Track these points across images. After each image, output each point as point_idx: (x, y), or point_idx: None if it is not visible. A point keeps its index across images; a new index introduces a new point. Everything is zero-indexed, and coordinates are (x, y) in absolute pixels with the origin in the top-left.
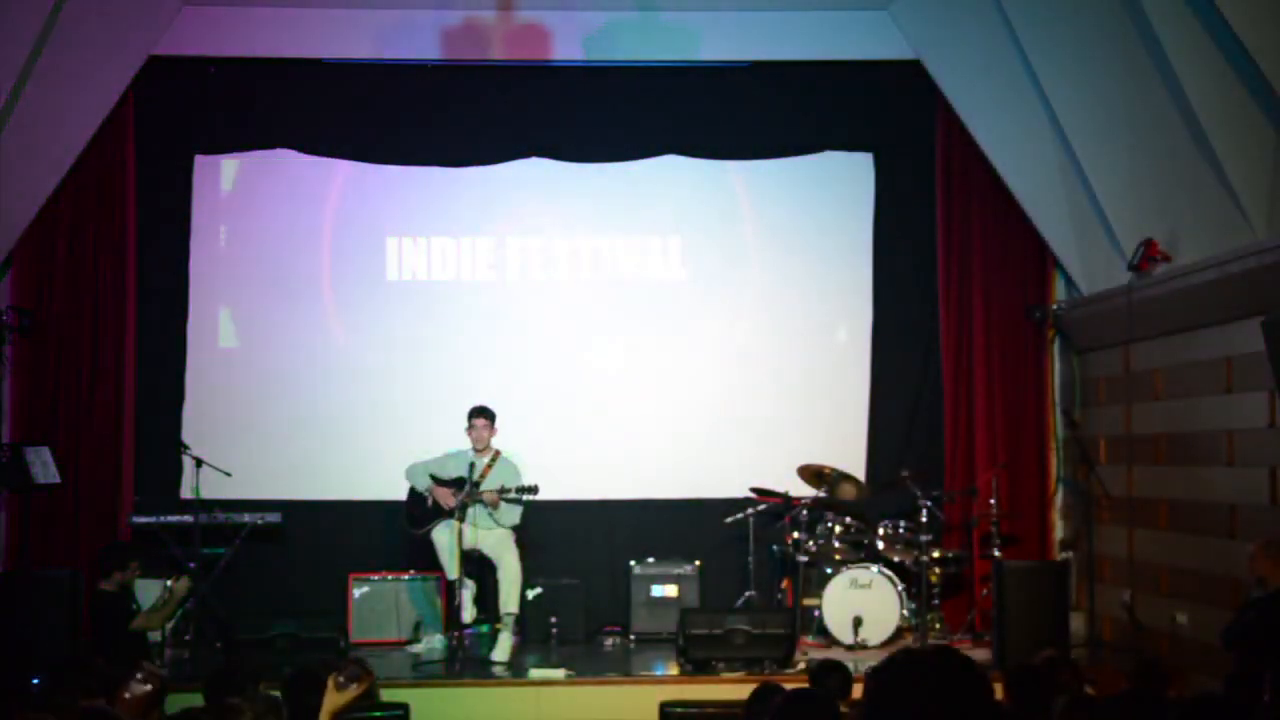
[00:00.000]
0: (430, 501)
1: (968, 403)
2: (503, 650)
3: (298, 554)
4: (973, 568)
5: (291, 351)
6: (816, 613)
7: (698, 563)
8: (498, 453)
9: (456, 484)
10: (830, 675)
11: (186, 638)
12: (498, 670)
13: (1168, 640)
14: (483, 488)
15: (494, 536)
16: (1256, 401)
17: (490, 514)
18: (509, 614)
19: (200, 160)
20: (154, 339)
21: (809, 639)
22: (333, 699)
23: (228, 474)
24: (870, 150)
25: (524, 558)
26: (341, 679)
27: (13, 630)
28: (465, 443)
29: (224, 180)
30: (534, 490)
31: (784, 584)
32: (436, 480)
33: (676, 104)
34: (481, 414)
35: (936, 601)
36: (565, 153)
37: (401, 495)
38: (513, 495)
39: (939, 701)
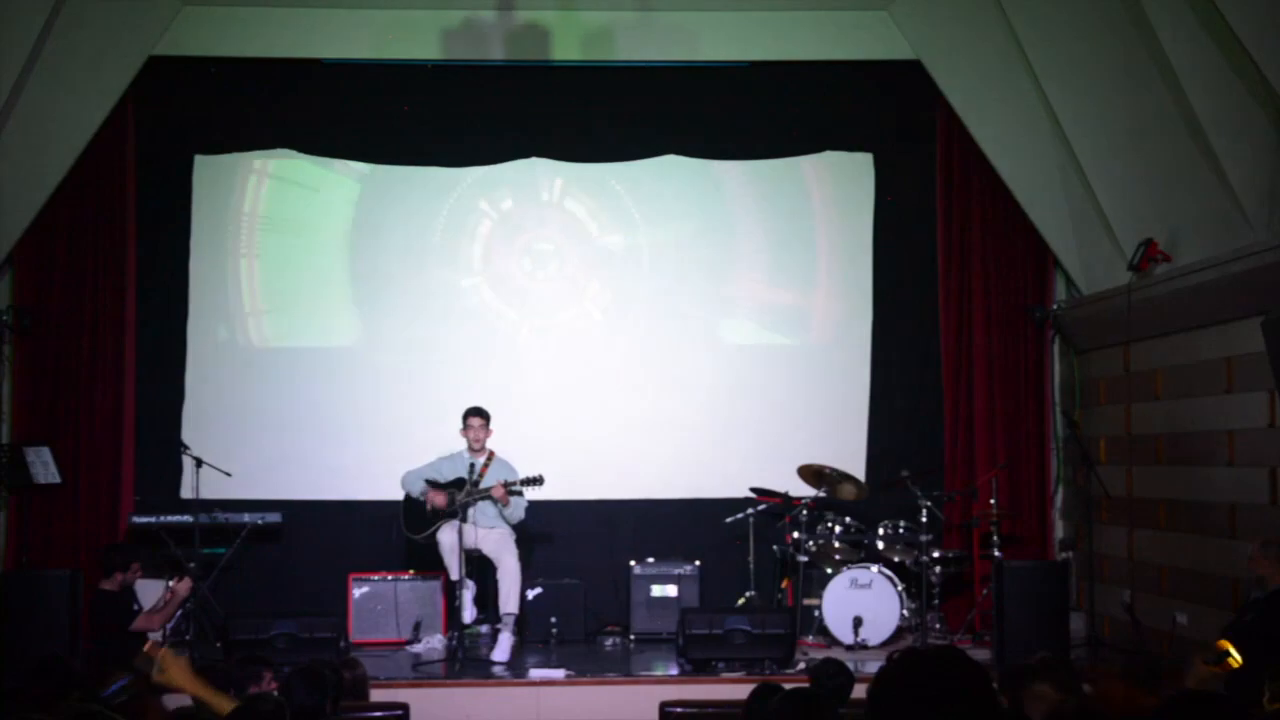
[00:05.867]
0: (429, 508)
1: (968, 403)
2: (503, 650)
3: (298, 554)
4: (973, 568)
5: (291, 351)
6: (816, 613)
7: (698, 563)
8: (492, 453)
9: (455, 485)
10: (831, 675)
11: (187, 638)
12: (498, 670)
13: (1168, 640)
14: (482, 486)
15: (494, 536)
16: (1256, 401)
17: (499, 511)
18: (509, 614)
19: (200, 160)
20: (154, 339)
21: (809, 639)
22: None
23: (228, 474)
24: (870, 150)
25: (524, 558)
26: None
27: (13, 630)
28: (461, 445)
29: (224, 180)
30: (540, 481)
31: (784, 584)
32: (433, 485)
33: (676, 104)
34: (478, 414)
35: (936, 601)
36: (565, 153)
37: (401, 495)
38: (518, 487)
39: (941, 702)
